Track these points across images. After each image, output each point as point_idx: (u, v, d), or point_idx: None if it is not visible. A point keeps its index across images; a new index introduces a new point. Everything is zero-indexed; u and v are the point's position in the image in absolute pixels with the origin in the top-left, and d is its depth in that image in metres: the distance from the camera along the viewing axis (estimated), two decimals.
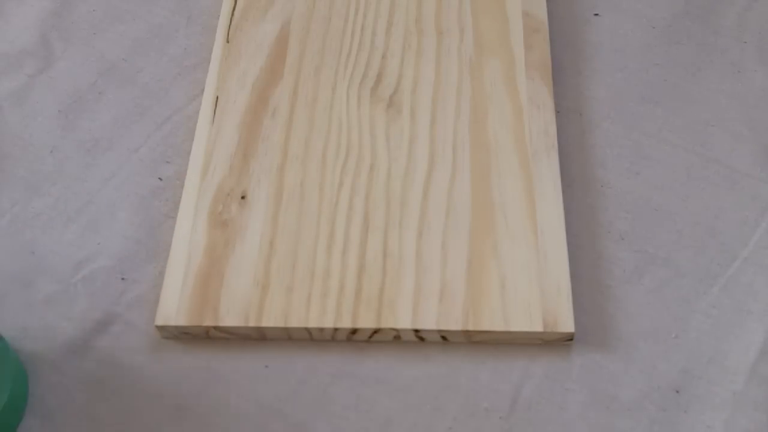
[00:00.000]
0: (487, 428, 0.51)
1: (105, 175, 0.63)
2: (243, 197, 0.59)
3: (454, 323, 0.53)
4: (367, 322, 0.53)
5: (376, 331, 0.54)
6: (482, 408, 0.52)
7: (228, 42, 0.67)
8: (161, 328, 0.54)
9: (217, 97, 0.64)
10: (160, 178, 0.62)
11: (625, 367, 0.53)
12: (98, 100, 0.67)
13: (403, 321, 0.53)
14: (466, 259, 0.56)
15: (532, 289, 0.54)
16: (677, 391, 0.52)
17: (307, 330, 0.54)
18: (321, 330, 0.54)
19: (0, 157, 0.64)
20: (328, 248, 0.56)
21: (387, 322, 0.53)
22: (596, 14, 0.71)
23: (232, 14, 0.69)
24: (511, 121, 0.62)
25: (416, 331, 0.53)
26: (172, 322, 0.54)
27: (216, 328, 0.54)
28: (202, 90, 0.65)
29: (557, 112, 0.64)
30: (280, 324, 0.54)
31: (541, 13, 0.68)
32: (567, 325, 0.53)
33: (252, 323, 0.54)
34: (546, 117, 0.62)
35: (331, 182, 0.60)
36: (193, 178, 0.60)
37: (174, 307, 0.54)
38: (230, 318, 0.54)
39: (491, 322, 0.53)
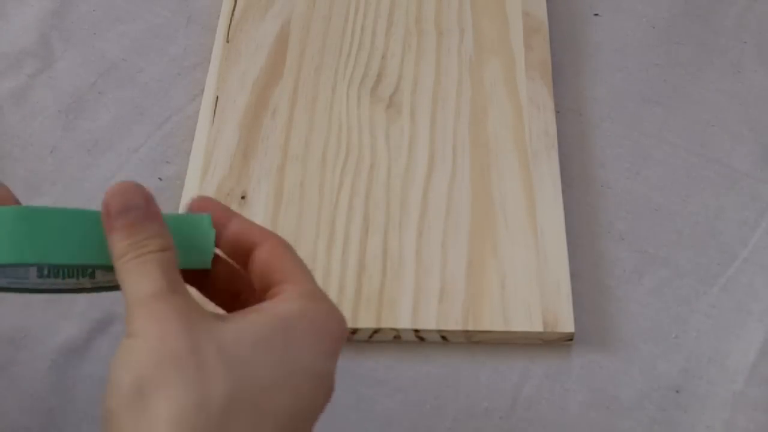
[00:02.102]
0: (487, 428, 0.51)
1: (105, 175, 0.63)
2: (243, 197, 0.59)
3: (454, 323, 0.53)
4: (367, 322, 0.53)
5: (376, 331, 0.54)
6: (482, 408, 0.52)
7: (228, 42, 0.67)
8: None
9: (217, 97, 0.64)
10: (160, 178, 0.62)
11: (625, 367, 0.53)
12: (98, 100, 0.67)
13: (403, 321, 0.53)
14: (466, 259, 0.56)
15: (532, 289, 0.54)
16: (677, 391, 0.52)
17: None
18: None
19: (0, 156, 0.64)
20: (328, 248, 0.56)
21: (387, 322, 0.53)
22: (596, 14, 0.71)
23: (232, 14, 0.69)
24: (511, 121, 0.62)
25: (416, 331, 0.53)
26: None
27: None
28: (202, 90, 0.65)
29: (557, 112, 0.64)
30: None
31: (541, 13, 0.68)
32: (567, 325, 0.53)
33: None
34: (546, 117, 0.62)
35: (331, 182, 0.60)
36: (193, 178, 0.60)
37: None
38: None
39: (491, 322, 0.53)
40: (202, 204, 0.39)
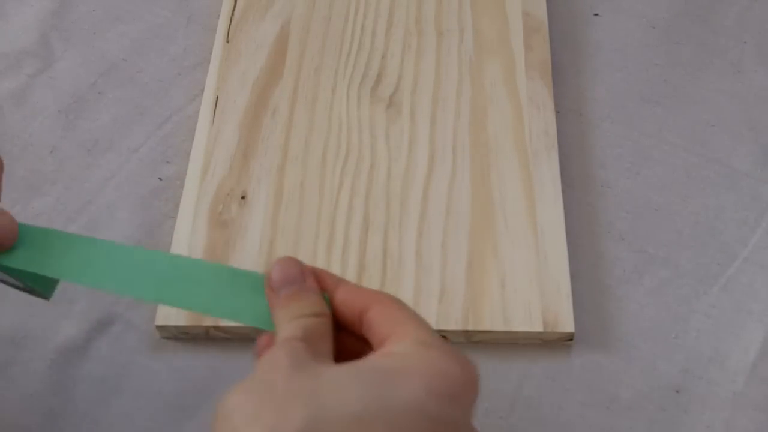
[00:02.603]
0: (487, 428, 0.51)
1: (105, 175, 0.63)
2: (243, 197, 0.59)
3: (454, 323, 0.53)
4: None
5: None
6: (482, 408, 0.52)
7: (228, 42, 0.67)
8: (161, 328, 0.54)
9: (217, 97, 0.64)
10: (160, 178, 0.62)
11: (625, 367, 0.53)
12: (98, 100, 0.67)
13: None
14: (466, 259, 0.56)
15: (532, 289, 0.54)
16: (677, 391, 0.52)
17: None
18: None
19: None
20: (328, 248, 0.56)
21: None
22: (596, 14, 0.71)
23: (232, 14, 0.69)
24: (511, 121, 0.62)
25: None
26: (172, 322, 0.54)
27: (216, 327, 0.54)
28: (202, 90, 0.65)
29: (557, 112, 0.64)
30: None
31: (541, 13, 0.68)
32: (567, 325, 0.53)
33: None
34: (546, 117, 0.62)
35: (331, 182, 0.60)
36: (193, 178, 0.60)
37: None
38: None
39: (491, 322, 0.53)
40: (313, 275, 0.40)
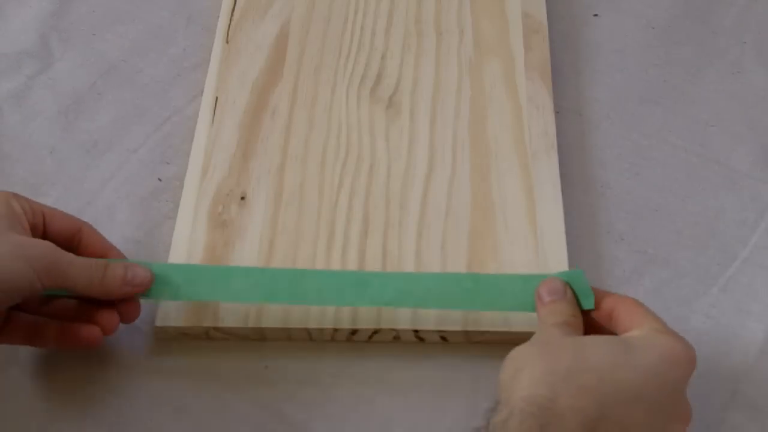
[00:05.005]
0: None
1: (105, 175, 0.63)
2: (243, 197, 0.59)
3: (453, 323, 0.53)
4: (367, 322, 0.53)
5: (375, 332, 0.54)
6: (482, 408, 0.52)
7: (228, 42, 0.67)
8: (161, 329, 0.54)
9: (217, 98, 0.64)
10: (160, 179, 0.62)
11: None
12: (98, 101, 0.67)
13: (403, 321, 0.53)
14: (466, 260, 0.56)
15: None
16: None
17: (307, 330, 0.54)
18: (321, 330, 0.54)
19: (0, 157, 0.64)
20: (327, 248, 0.56)
21: (387, 323, 0.53)
22: (596, 15, 0.71)
23: (232, 14, 0.69)
24: (510, 121, 0.62)
25: (416, 331, 0.53)
26: (172, 323, 0.54)
27: (216, 328, 0.54)
28: (202, 90, 0.65)
29: (557, 112, 0.64)
30: (280, 324, 0.54)
31: (541, 13, 0.68)
32: None
33: (252, 324, 0.54)
34: (546, 117, 0.62)
35: (331, 182, 0.60)
36: (192, 178, 0.60)
37: (174, 307, 0.54)
38: (230, 318, 0.54)
39: (491, 322, 0.53)
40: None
